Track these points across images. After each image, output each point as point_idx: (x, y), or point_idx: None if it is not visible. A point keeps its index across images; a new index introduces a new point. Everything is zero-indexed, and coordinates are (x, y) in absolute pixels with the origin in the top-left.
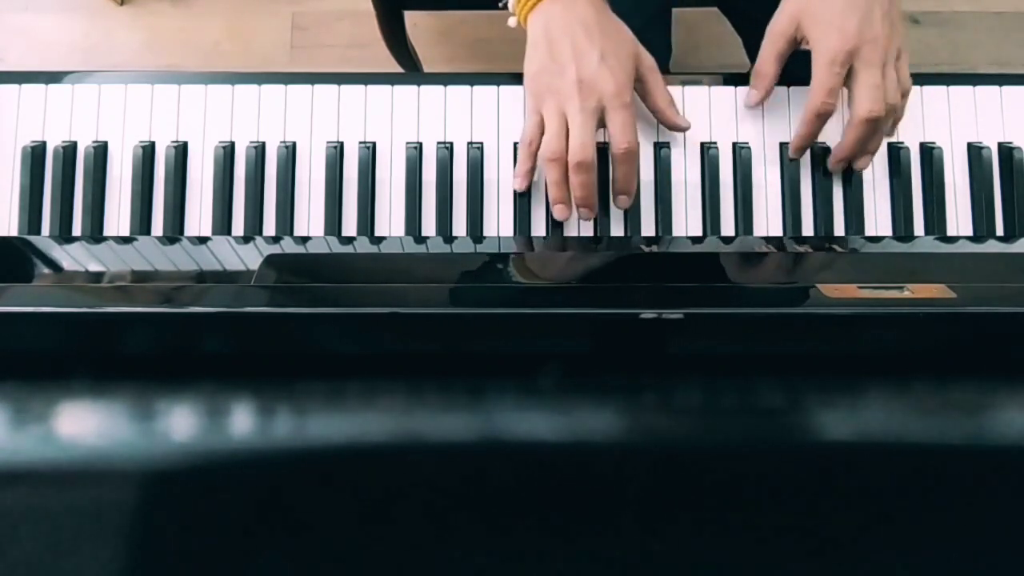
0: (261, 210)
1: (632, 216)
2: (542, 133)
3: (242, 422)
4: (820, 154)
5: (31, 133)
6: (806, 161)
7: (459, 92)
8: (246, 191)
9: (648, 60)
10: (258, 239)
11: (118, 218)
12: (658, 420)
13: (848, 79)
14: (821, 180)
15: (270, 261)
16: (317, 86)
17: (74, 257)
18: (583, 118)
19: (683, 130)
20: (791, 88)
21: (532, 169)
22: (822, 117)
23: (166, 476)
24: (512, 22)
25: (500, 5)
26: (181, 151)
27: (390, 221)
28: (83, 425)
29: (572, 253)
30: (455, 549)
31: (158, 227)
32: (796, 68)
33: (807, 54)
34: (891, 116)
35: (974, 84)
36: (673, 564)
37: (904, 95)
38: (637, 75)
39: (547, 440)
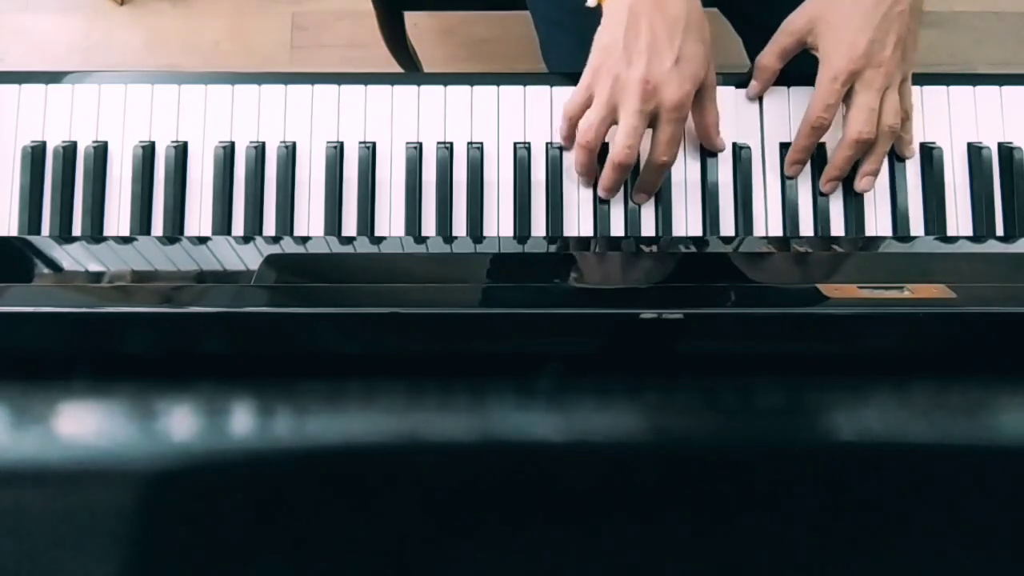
0: (261, 210)
1: (632, 216)
2: (585, 108)
3: (242, 422)
4: (819, 154)
5: (31, 133)
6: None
7: (459, 92)
8: (246, 191)
9: (712, 76)
10: (258, 239)
11: (118, 218)
12: (658, 420)
13: (847, 97)
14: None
15: (270, 261)
16: (317, 86)
17: (74, 257)
18: (637, 121)
19: (720, 151)
20: (791, 88)
21: (571, 138)
22: (817, 131)
23: (166, 476)
24: (592, 1)
25: None
26: (181, 151)
27: (390, 221)
28: (83, 425)
29: (571, 253)
30: (456, 549)
31: (158, 227)
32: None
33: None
34: (887, 140)
35: (974, 84)
36: (675, 564)
37: (906, 118)
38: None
39: (548, 440)
